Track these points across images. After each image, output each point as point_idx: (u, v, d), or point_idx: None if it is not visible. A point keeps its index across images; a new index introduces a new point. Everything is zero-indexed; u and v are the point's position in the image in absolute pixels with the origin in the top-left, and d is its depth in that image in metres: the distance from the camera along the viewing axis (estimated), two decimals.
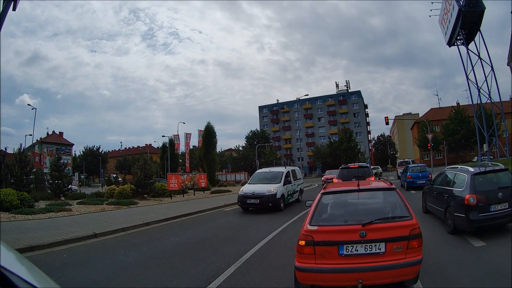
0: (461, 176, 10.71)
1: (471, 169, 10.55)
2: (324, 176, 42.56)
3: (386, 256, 5.10)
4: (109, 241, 11.58)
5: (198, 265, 8.12)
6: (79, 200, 23.45)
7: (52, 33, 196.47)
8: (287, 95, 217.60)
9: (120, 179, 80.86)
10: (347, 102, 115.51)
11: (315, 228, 5.40)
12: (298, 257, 5.38)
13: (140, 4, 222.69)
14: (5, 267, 1.39)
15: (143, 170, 26.86)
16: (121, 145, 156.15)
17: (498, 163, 12.68)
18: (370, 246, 5.15)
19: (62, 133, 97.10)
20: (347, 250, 5.18)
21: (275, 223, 13.90)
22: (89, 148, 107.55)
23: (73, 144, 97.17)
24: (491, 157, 46.00)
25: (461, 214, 9.77)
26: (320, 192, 6.36)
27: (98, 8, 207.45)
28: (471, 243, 8.96)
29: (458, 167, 11.80)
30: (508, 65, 45.00)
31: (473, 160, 55.92)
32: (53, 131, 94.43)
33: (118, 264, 8.46)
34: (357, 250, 5.17)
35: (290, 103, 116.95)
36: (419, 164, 32.28)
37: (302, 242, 5.34)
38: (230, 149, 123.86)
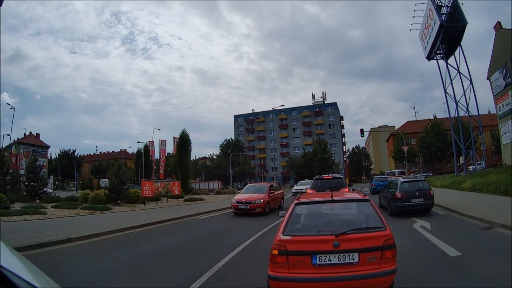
0: (397, 183, 18.43)
1: (401, 179, 19.18)
2: (294, 187, 44.68)
3: (360, 266, 5.21)
4: (83, 246, 11.75)
5: (172, 273, 8.30)
6: (54, 204, 24.00)
7: (34, 31, 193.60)
8: (263, 105, 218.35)
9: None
10: (323, 113, 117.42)
11: (288, 238, 5.51)
12: (271, 266, 5.47)
13: (123, 7, 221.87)
14: (5, 267, 1.42)
15: (118, 176, 27.30)
16: (96, 150, 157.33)
17: (422, 177, 27.55)
18: (344, 256, 5.24)
19: (39, 134, 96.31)
20: (321, 260, 5.26)
21: (250, 230, 14.27)
22: (65, 151, 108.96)
23: (49, 147, 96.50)
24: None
25: (394, 204, 17.46)
26: (293, 203, 6.48)
27: (81, 9, 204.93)
28: (446, 253, 9.14)
29: (397, 179, 20.90)
30: (488, 79, 46.74)
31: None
32: (30, 132, 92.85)
33: (92, 270, 8.59)
34: (330, 260, 5.26)
35: (265, 113, 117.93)
36: (381, 176, 46.39)
37: (275, 252, 5.43)
38: (204, 157, 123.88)
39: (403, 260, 7.58)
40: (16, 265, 1.60)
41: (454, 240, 10.68)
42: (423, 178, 21.29)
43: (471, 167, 44.54)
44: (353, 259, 5.25)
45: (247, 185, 26.80)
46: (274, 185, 25.89)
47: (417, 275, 7.39)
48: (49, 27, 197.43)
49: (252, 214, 20.06)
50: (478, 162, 45.74)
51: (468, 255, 8.88)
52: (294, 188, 43.73)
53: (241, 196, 22.24)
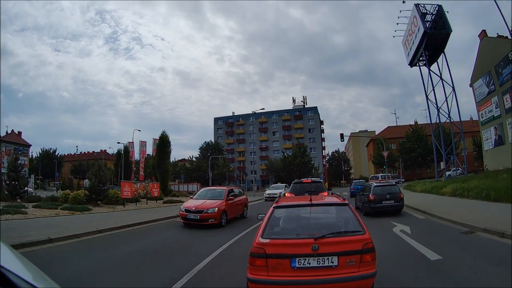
0: (371, 187, 20.63)
1: (374, 184, 21.87)
2: (267, 192, 42.07)
3: (339, 270, 5.24)
4: (63, 247, 11.66)
5: (152, 274, 8.24)
6: (35, 204, 23.51)
7: (20, 27, 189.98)
8: (243, 108, 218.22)
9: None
10: (303, 117, 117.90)
11: (267, 241, 5.55)
12: (251, 269, 5.50)
13: (108, 6, 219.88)
14: (5, 267, 1.42)
15: (98, 177, 26.98)
16: (77, 149, 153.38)
17: (393, 182, 29.04)
18: (323, 260, 5.28)
19: (21, 132, 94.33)
20: (300, 263, 5.29)
21: (227, 236, 13.89)
22: (46, 150, 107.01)
23: (31, 145, 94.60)
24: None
25: (368, 205, 19.69)
26: (272, 206, 6.52)
27: (66, 7, 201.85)
28: (427, 257, 9.08)
29: (371, 183, 23.19)
30: (471, 86, 47.70)
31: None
32: (12, 130, 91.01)
33: (72, 271, 8.48)
34: (309, 263, 5.29)
35: (245, 116, 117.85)
36: (360, 180, 47.28)
37: (254, 254, 5.49)
38: (183, 159, 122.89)
39: (383, 263, 7.57)
40: (16, 265, 1.63)
41: (435, 244, 10.59)
42: (394, 183, 24.06)
43: (447, 173, 44.99)
44: (332, 262, 5.28)
45: (202, 189, 22.66)
46: (236, 189, 22.03)
47: (397, 278, 7.36)
48: (35, 24, 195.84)
49: (204, 226, 16.26)
50: (453, 169, 46.47)
51: (449, 259, 8.77)
52: (267, 192, 41.44)
53: (191, 203, 17.93)
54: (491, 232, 11.54)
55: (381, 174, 60.84)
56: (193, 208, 16.77)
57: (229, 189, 20.00)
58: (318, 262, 5.28)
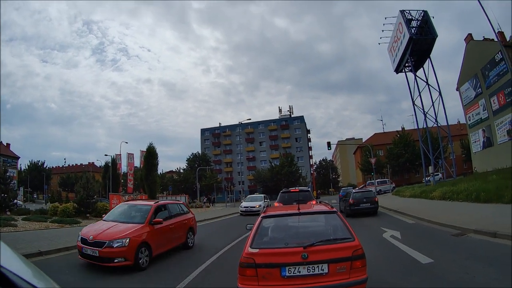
0: (351, 193, 25.07)
1: (354, 190, 26.64)
2: (243, 204, 34.19)
3: (329, 277, 5.29)
4: (53, 260, 11.46)
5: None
6: (24, 216, 23.44)
7: (8, 37, 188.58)
8: (229, 118, 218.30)
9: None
10: (290, 127, 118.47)
11: (256, 250, 5.60)
12: (241, 279, 5.56)
13: (95, 16, 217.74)
14: (5, 267, 1.43)
15: (86, 189, 27.12)
16: (65, 162, 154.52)
17: (370, 188, 34.57)
18: (313, 267, 5.34)
19: (9, 144, 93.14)
20: (290, 272, 5.34)
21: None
22: (34, 162, 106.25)
23: (19, 157, 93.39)
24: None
25: (348, 207, 23.50)
26: (260, 216, 6.61)
27: (54, 17, 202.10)
28: (418, 261, 9.05)
29: (351, 189, 29.21)
30: (457, 90, 48.42)
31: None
32: (0, 142, 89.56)
33: (64, 284, 8.17)
34: (300, 272, 5.34)
35: (232, 127, 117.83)
36: (348, 188, 46.28)
37: (244, 264, 5.54)
38: (171, 171, 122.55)
39: (374, 269, 7.49)
40: (16, 265, 1.65)
41: (426, 247, 10.54)
42: (370, 190, 29.30)
43: (427, 178, 45.53)
44: (323, 270, 5.33)
45: (120, 204, 14.21)
46: (172, 205, 13.97)
47: (388, 283, 7.36)
48: (23, 34, 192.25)
49: (110, 269, 9.63)
50: (435, 173, 46.60)
51: (441, 262, 8.71)
52: (243, 205, 33.65)
53: (93, 228, 11.14)
54: (482, 233, 11.49)
55: (378, 180, 60.93)
56: (91, 239, 9.97)
57: (156, 205, 12.36)
58: (308, 270, 5.32)
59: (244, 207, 32.85)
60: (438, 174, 46.54)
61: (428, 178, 45.31)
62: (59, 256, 12.02)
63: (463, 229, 12.76)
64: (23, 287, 1.42)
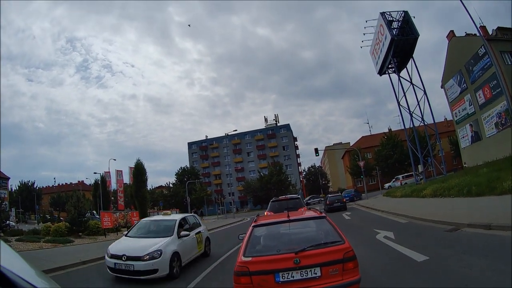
0: (328, 196, 42.76)
1: (329, 195, 47.25)
2: (111, 250, 14.15)
3: (323, 280, 5.43)
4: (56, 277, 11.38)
5: None
6: (17, 237, 23.73)
7: None
8: (216, 131, 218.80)
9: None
10: (276, 135, 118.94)
11: (249, 259, 5.72)
12: (236, 287, 5.69)
13: (78, 33, 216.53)
14: (5, 267, 1.44)
15: (77, 208, 27.39)
16: (55, 181, 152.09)
17: (340, 193, 53.03)
18: (306, 272, 5.47)
19: None
20: (283, 277, 5.49)
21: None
22: (24, 183, 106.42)
23: (9, 178, 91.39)
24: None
25: (326, 207, 36.58)
26: (252, 225, 6.77)
27: (37, 35, 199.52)
28: (413, 259, 9.06)
29: (328, 194, 51.61)
30: (442, 87, 48.93)
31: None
32: None
33: None
34: (293, 277, 5.48)
35: (219, 139, 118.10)
36: (336, 193, 53.32)
37: (238, 273, 5.67)
38: (161, 186, 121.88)
39: (368, 270, 7.85)
40: (16, 265, 1.67)
41: (420, 245, 10.58)
42: (340, 193, 45.13)
43: (405, 181, 46.77)
44: (316, 273, 5.49)
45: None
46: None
47: (383, 283, 7.42)
48: (8, 53, 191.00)
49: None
50: (418, 174, 47.83)
51: (436, 258, 8.75)
52: (111, 250, 11.27)
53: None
54: (476, 226, 11.50)
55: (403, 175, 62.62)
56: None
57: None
58: (302, 275, 5.48)
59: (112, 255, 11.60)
60: (419, 176, 47.33)
61: (405, 181, 46.42)
62: (53, 276, 11.81)
63: (457, 224, 12.77)
64: (23, 287, 1.45)
